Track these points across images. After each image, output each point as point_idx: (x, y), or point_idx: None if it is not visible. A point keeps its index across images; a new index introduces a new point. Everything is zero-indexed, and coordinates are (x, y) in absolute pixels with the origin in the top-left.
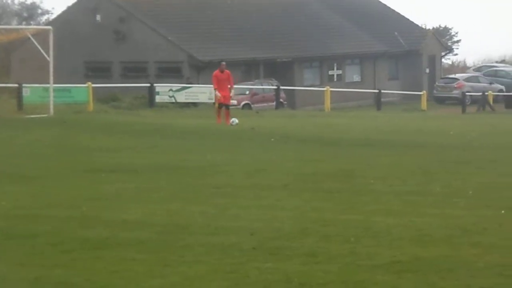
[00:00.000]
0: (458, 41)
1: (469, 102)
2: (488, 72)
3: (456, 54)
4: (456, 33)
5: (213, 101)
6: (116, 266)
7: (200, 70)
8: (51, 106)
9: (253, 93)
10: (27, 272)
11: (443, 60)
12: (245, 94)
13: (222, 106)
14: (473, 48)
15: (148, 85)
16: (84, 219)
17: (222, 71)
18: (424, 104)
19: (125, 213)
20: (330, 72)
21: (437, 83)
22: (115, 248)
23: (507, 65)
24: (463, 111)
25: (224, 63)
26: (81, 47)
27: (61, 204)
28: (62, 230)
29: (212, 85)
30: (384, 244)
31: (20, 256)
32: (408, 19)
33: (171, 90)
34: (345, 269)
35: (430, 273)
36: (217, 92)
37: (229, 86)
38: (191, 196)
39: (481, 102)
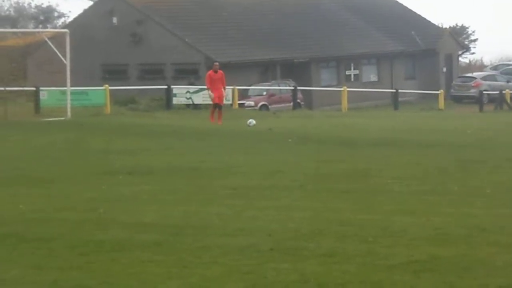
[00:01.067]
0: (475, 40)
1: (486, 101)
2: (506, 70)
3: (473, 53)
4: (473, 31)
5: (230, 102)
6: (133, 268)
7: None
8: (69, 109)
9: (270, 94)
10: (44, 275)
11: (460, 59)
12: (262, 95)
13: (217, 107)
14: (490, 47)
15: (165, 87)
16: (101, 221)
17: (215, 71)
18: (441, 103)
19: (141, 215)
20: (347, 72)
21: (454, 82)
22: (132, 250)
23: None
24: (481, 109)
25: (217, 63)
26: (98, 50)
27: (77, 207)
28: (79, 233)
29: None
30: (402, 243)
31: (37, 259)
32: (424, 18)
33: (188, 91)
34: (363, 269)
35: (447, 272)
36: (210, 92)
37: (222, 86)
38: (208, 197)
39: (498, 100)
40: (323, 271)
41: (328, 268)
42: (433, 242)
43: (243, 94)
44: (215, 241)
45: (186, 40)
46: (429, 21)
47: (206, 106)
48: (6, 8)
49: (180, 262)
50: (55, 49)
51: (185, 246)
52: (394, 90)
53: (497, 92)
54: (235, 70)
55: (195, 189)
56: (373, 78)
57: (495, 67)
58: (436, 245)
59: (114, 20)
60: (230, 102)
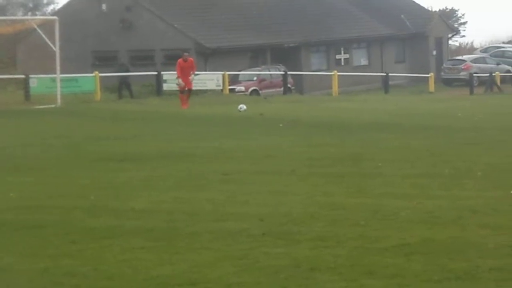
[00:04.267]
0: (464, 23)
1: (476, 84)
2: (495, 53)
3: (463, 36)
4: (463, 14)
5: (221, 88)
6: (124, 255)
7: (208, 57)
8: (59, 96)
9: (261, 79)
10: (35, 263)
11: (450, 42)
12: (252, 80)
13: (184, 92)
14: (479, 30)
15: (156, 73)
16: (92, 208)
17: (185, 60)
18: (431, 86)
19: (133, 201)
20: (337, 56)
21: (444, 65)
22: (124, 237)
23: None
24: (471, 92)
25: (187, 53)
26: (88, 37)
27: (69, 194)
28: (70, 220)
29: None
30: (393, 226)
31: (29, 247)
32: (414, 2)
33: (178, 77)
34: (354, 253)
35: (439, 255)
36: (180, 80)
37: (191, 72)
38: (199, 183)
39: (488, 83)
40: (315, 255)
41: (319, 252)
42: (425, 225)
43: (234, 80)
44: (206, 226)
45: (176, 25)
46: (419, 5)
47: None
48: None
49: (172, 248)
50: (44, 36)
51: (176, 232)
52: (384, 74)
53: (487, 74)
54: (225, 55)
55: (186, 175)
56: (363, 62)
57: (485, 50)
58: (427, 228)
59: (103, 6)
60: (221, 87)
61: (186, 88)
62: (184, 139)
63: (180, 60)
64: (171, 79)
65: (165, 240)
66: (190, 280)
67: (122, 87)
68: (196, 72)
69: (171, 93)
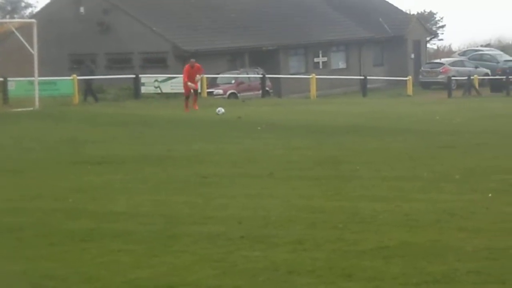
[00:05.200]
0: (443, 26)
1: (454, 87)
2: (473, 56)
3: (441, 39)
4: (441, 18)
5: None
6: (103, 258)
7: (186, 60)
8: (37, 99)
9: (239, 82)
10: (13, 265)
11: (428, 45)
12: (231, 83)
13: (190, 95)
14: (458, 33)
15: (134, 76)
16: (71, 211)
17: (192, 67)
18: (409, 89)
19: (111, 204)
20: (316, 60)
21: (422, 68)
22: (102, 240)
23: (492, 49)
24: (449, 95)
25: (193, 60)
26: (66, 40)
27: (47, 197)
28: (49, 223)
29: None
30: (371, 229)
31: (7, 249)
32: (392, 5)
33: (156, 80)
34: (333, 256)
35: (417, 258)
36: (190, 83)
37: (198, 75)
38: (178, 186)
39: (466, 86)
40: (293, 259)
41: (298, 255)
42: (403, 228)
43: (212, 83)
44: (185, 229)
45: (154, 29)
46: (397, 8)
47: (175, 95)
48: None
49: (150, 251)
50: (22, 39)
51: (155, 235)
52: (362, 77)
53: (465, 77)
54: (203, 58)
55: (165, 178)
56: (342, 65)
57: (463, 53)
58: (405, 231)
59: (81, 9)
60: (199, 90)
61: (192, 91)
62: (163, 142)
63: (187, 66)
64: (149, 82)
65: (144, 243)
66: (168, 283)
67: (90, 90)
68: (174, 76)
69: (148, 96)
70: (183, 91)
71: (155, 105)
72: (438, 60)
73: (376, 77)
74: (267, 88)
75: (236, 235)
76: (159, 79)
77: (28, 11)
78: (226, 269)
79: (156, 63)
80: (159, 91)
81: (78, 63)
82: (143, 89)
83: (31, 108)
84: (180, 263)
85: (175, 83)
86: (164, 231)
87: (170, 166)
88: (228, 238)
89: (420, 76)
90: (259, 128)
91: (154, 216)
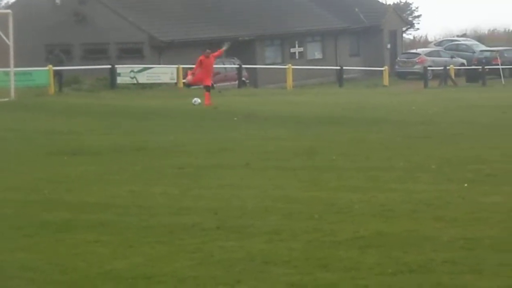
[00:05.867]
0: (418, 16)
1: (430, 77)
2: (449, 46)
3: (417, 29)
4: (417, 8)
5: (175, 81)
6: (78, 249)
7: (161, 51)
8: (12, 90)
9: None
10: None
11: (404, 35)
12: None
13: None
14: (434, 23)
15: (110, 66)
16: (47, 202)
17: (207, 57)
18: (386, 79)
19: (87, 195)
20: (292, 50)
21: (398, 59)
22: (78, 231)
23: (468, 39)
24: (425, 86)
25: (209, 50)
26: (41, 30)
27: (23, 188)
28: (24, 214)
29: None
30: (348, 220)
31: None
32: None
33: (132, 71)
34: (309, 246)
35: (393, 248)
36: (189, 77)
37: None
38: (154, 177)
39: (442, 76)
40: (270, 249)
41: (274, 246)
42: (379, 218)
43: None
44: (161, 220)
45: (130, 19)
46: None
47: (151, 85)
48: None
49: (126, 242)
50: None
51: (130, 226)
52: (338, 67)
53: (441, 68)
54: (179, 48)
55: (140, 169)
56: (318, 55)
57: (439, 43)
58: (381, 221)
59: (57, 0)
60: (175, 81)
61: (204, 85)
62: (139, 133)
63: (202, 56)
64: (125, 73)
65: (120, 234)
66: (144, 273)
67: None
68: (150, 66)
69: (124, 86)
70: (159, 81)
71: (131, 95)
72: (414, 50)
73: (353, 68)
74: (243, 79)
75: (212, 225)
76: (135, 70)
77: (4, 1)
78: (202, 259)
79: (132, 53)
80: (135, 82)
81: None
82: (119, 80)
83: (7, 99)
84: (156, 254)
85: (151, 74)
86: (140, 222)
87: (146, 157)
88: (204, 228)
89: (396, 66)
90: (235, 118)
91: (130, 207)
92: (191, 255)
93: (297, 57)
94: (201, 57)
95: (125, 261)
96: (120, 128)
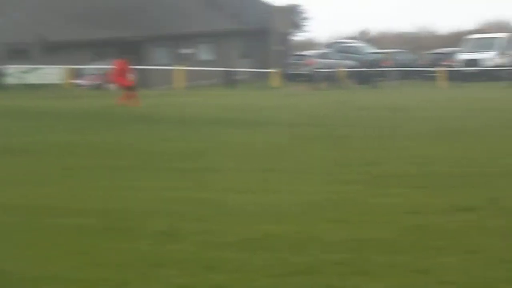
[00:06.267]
0: (308, 18)
1: (320, 79)
2: (339, 48)
3: (307, 31)
4: (306, 10)
5: (63, 82)
6: None
7: (51, 51)
8: None
9: (105, 73)
10: None
11: (293, 37)
12: (95, 74)
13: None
14: (324, 25)
15: None
16: None
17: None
18: (275, 81)
19: None
20: (182, 51)
21: (287, 61)
22: None
23: (358, 41)
24: (315, 88)
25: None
26: None
27: None
28: None
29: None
30: (237, 221)
31: None
32: None
33: (21, 72)
34: (198, 247)
35: (282, 249)
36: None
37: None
38: (41, 178)
39: (332, 78)
40: (158, 250)
41: (163, 247)
42: (268, 219)
43: (78, 74)
44: (48, 222)
45: (17, 19)
46: (261, 0)
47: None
48: None
49: (12, 243)
50: None
51: (18, 228)
52: (229, 69)
53: (331, 70)
54: (68, 49)
55: (27, 170)
56: (208, 57)
57: (329, 45)
58: (270, 223)
59: None
60: (63, 81)
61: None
62: (25, 134)
63: (121, 62)
64: (13, 73)
65: (6, 236)
66: (32, 275)
67: None
68: (39, 66)
69: (13, 87)
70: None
71: (19, 96)
72: (303, 52)
73: (243, 69)
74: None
75: (100, 227)
76: (24, 70)
77: None
78: (90, 261)
79: (21, 53)
80: (24, 82)
81: None
82: (8, 80)
83: None
84: (43, 256)
85: (41, 74)
86: (26, 224)
87: (32, 158)
88: (92, 230)
89: (286, 68)
90: (125, 119)
91: (16, 209)
92: (79, 256)
93: (187, 59)
94: (121, 62)
95: (11, 263)
96: (5, 129)
